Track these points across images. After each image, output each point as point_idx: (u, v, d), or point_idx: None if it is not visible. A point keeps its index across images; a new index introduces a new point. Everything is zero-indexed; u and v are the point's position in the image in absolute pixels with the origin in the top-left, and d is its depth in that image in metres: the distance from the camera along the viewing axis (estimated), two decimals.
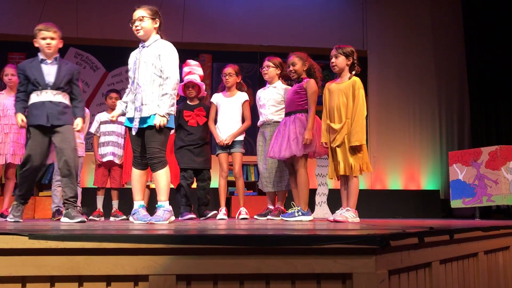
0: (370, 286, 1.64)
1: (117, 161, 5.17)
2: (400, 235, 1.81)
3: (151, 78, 3.33)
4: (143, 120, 3.32)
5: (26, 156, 3.53)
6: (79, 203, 4.56)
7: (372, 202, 7.03)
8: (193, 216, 4.64)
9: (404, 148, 8.01)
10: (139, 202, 3.43)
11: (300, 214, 3.96)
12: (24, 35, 6.80)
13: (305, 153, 4.04)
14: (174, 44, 3.47)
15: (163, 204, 3.29)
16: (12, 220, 3.49)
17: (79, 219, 3.31)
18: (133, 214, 3.44)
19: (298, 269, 1.67)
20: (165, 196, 3.32)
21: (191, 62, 4.97)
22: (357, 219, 3.61)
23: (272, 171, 4.48)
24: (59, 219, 4.65)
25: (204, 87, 4.88)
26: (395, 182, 7.90)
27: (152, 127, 3.29)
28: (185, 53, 7.18)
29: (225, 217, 4.58)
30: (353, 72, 3.76)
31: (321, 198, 6.39)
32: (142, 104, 3.31)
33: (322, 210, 6.29)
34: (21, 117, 3.55)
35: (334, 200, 5.18)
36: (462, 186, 6.11)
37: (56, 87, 3.57)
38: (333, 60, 3.77)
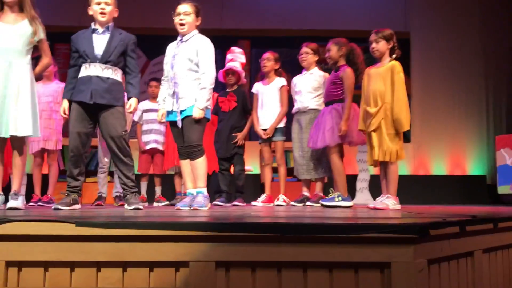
0: (408, 275, 1.63)
1: (160, 148, 5.30)
2: (440, 224, 1.78)
3: (188, 72, 3.43)
4: (181, 112, 3.43)
5: (69, 135, 3.31)
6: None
7: (415, 188, 6.88)
8: (217, 202, 4.69)
9: (448, 133, 7.77)
10: (195, 190, 3.47)
11: (340, 199, 3.94)
12: (68, 26, 6.98)
13: (340, 142, 4.01)
14: (213, 31, 3.51)
15: (202, 190, 3.42)
16: (54, 207, 3.17)
17: (132, 207, 3.28)
18: (193, 202, 3.37)
19: (335, 257, 1.68)
20: (203, 182, 3.44)
21: (235, 49, 5.02)
22: (398, 206, 3.56)
23: (309, 158, 4.47)
24: (120, 205, 4.83)
25: (243, 74, 4.91)
26: (439, 167, 7.71)
27: (189, 117, 3.39)
28: (223, 40, 7.22)
29: (284, 204, 4.59)
30: (394, 56, 3.68)
31: (362, 184, 6.34)
32: (179, 98, 3.41)
33: (363, 196, 6.24)
34: (63, 108, 3.36)
35: (376, 186, 5.12)
36: (510, 171, 5.90)
37: (105, 60, 3.28)
38: (373, 45, 3.70)
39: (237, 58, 4.92)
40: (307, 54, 4.60)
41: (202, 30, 3.56)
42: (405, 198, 3.85)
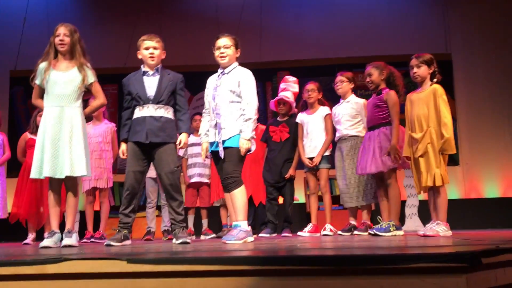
0: None
1: (204, 180, 5.38)
2: (493, 251, 1.72)
3: (230, 103, 3.40)
4: (223, 142, 3.38)
5: (126, 174, 3.46)
6: None
7: (467, 212, 6.63)
8: (263, 234, 4.67)
9: (499, 153, 7.48)
10: (237, 222, 3.31)
11: (395, 229, 3.88)
12: (115, 68, 7.32)
13: (393, 167, 3.95)
14: (252, 65, 3.56)
15: (240, 223, 3.25)
16: (107, 244, 3.30)
17: (180, 240, 3.32)
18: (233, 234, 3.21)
19: None
20: (242, 215, 3.28)
21: (289, 78, 5.04)
22: (449, 232, 3.45)
23: (353, 186, 4.43)
24: (169, 239, 4.93)
25: (294, 104, 4.95)
26: (491, 189, 7.41)
27: (228, 149, 3.34)
28: (263, 72, 7.34)
29: (331, 233, 4.55)
30: (434, 80, 3.64)
31: (411, 210, 6.18)
32: (221, 128, 3.39)
33: (413, 222, 6.07)
34: (122, 149, 3.53)
35: (426, 212, 4.99)
36: None
37: (157, 100, 3.44)
38: (415, 70, 3.67)
39: (289, 87, 4.95)
40: (341, 82, 4.64)
41: (242, 64, 3.62)
42: (456, 223, 3.74)
